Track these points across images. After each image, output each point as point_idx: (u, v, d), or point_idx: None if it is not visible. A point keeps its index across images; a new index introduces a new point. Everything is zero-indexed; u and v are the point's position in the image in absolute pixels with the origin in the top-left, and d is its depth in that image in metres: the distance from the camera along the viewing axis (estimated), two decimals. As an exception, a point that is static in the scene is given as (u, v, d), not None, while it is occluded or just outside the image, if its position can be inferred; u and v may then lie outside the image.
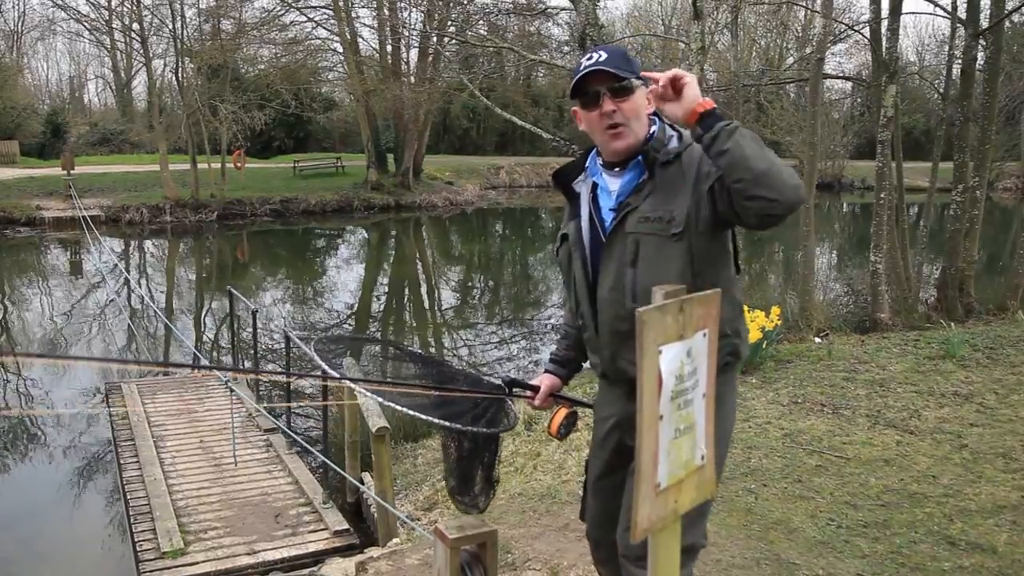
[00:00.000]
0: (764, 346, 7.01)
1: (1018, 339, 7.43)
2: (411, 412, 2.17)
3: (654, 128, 2.05)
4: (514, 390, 2.31)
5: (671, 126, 2.08)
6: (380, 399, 2.23)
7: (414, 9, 26.57)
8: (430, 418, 2.21)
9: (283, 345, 7.66)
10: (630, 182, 2.03)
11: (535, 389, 2.31)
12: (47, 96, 48.57)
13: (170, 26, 26.20)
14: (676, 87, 1.85)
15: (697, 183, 1.93)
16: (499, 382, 2.32)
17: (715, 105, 1.83)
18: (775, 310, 7.24)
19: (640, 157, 2.02)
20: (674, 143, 2.03)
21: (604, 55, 1.99)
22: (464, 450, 2.30)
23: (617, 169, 2.07)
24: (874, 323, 9.12)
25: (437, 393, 2.26)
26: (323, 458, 6.12)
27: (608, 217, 2.06)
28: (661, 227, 1.94)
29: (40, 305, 14.90)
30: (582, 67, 2.00)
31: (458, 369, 2.60)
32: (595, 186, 2.11)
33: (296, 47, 29.10)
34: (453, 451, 2.32)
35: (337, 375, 2.38)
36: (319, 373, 2.37)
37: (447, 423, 2.17)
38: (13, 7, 41.00)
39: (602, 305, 2.07)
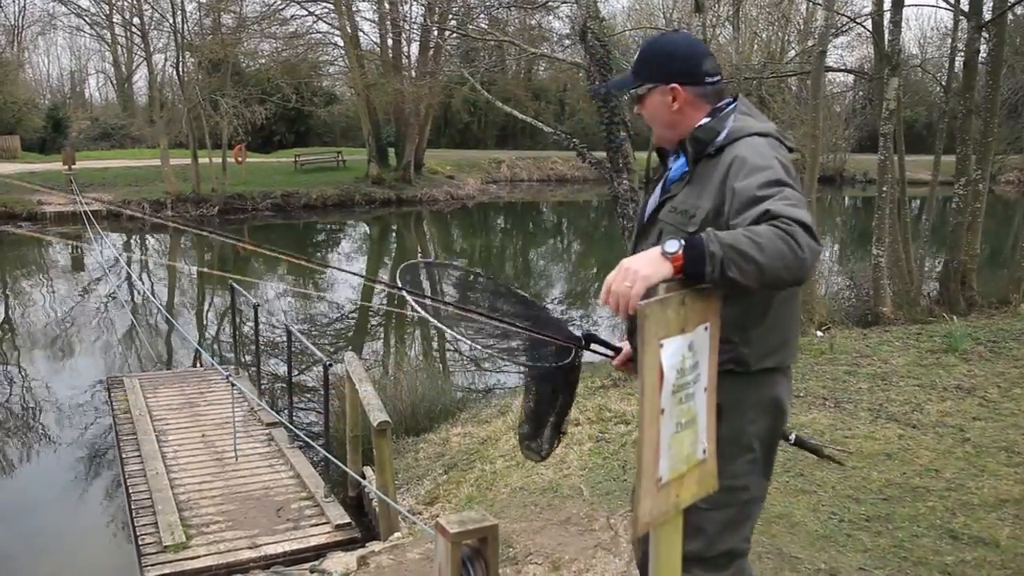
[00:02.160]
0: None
1: (1021, 332, 7.40)
2: (485, 346, 2.25)
3: (705, 120, 1.98)
4: (592, 346, 2.24)
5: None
6: (454, 331, 2.25)
7: (415, 3, 26.57)
8: (504, 357, 2.33)
9: (285, 339, 7.66)
10: (678, 170, 2.06)
11: (616, 350, 2.27)
12: (48, 91, 48.57)
13: (170, 20, 26.20)
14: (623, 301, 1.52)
15: (721, 186, 1.86)
16: (578, 334, 2.25)
17: (678, 256, 1.51)
18: (777, 304, 7.22)
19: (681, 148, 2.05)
20: (721, 138, 1.95)
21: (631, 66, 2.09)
22: (543, 394, 2.32)
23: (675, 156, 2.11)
24: (876, 317, 9.09)
25: (513, 327, 2.23)
26: (324, 452, 6.12)
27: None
28: (682, 221, 1.93)
29: (42, 299, 14.91)
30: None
31: (549, 315, 2.49)
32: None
33: (297, 41, 29.10)
34: (533, 394, 2.34)
35: (419, 296, 2.26)
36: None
37: (521, 360, 2.27)
38: (13, 2, 40.96)
39: None
